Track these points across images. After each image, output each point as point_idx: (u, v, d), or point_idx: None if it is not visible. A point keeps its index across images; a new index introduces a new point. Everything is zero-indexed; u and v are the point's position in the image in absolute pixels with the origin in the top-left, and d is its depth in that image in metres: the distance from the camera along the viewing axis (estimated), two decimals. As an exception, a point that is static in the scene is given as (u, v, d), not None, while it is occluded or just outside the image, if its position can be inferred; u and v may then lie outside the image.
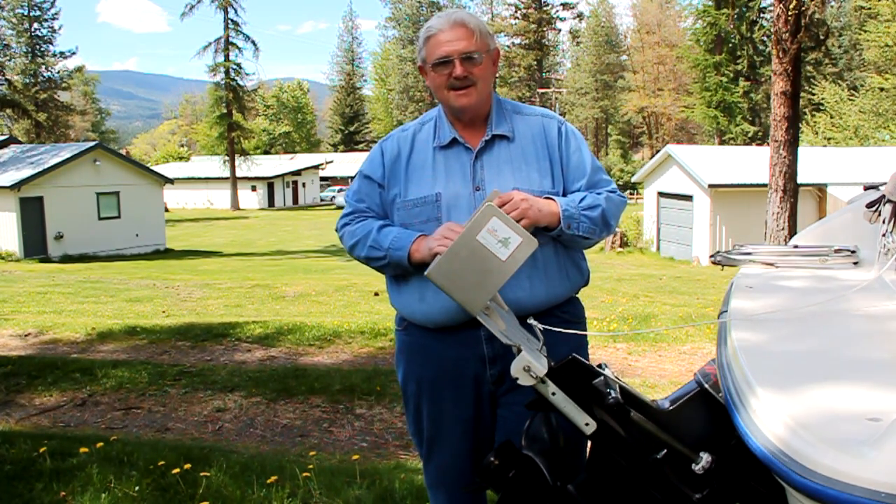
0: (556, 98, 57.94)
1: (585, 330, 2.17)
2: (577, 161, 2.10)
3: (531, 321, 1.81)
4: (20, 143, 30.85)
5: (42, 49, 50.48)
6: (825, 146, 30.34)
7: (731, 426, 1.44)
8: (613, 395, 1.63)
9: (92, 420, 4.92)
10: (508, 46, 61.85)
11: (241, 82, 51.51)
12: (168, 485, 3.32)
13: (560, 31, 67.37)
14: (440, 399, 2.11)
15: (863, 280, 1.91)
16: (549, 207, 1.95)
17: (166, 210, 32.73)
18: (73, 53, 52.30)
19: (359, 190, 2.16)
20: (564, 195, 2.06)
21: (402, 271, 2.06)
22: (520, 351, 1.66)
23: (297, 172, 54.86)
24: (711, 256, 2.42)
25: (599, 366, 1.71)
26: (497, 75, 2.15)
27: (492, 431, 2.11)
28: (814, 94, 35.15)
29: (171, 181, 29.76)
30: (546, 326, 1.80)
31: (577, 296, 2.19)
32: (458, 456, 2.12)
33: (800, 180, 12.41)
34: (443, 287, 1.77)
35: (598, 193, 2.07)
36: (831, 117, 33.02)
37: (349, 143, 77.30)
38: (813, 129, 33.61)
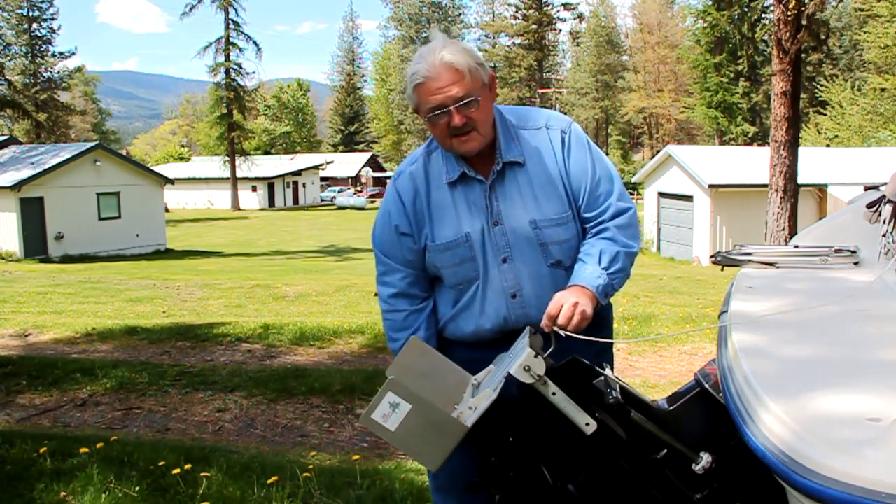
0: (557, 98, 57.92)
1: (611, 335, 2.13)
2: (578, 173, 2.02)
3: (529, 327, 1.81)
4: (20, 143, 30.88)
5: (41, 49, 50.50)
6: (828, 145, 30.34)
7: (731, 426, 1.44)
8: (614, 395, 1.63)
9: (92, 420, 4.92)
10: (509, 46, 61.87)
11: (241, 82, 51.54)
12: (168, 485, 3.32)
13: (560, 31, 67.33)
14: None
15: (863, 280, 1.91)
16: (586, 296, 1.88)
17: (167, 210, 32.74)
18: (73, 54, 52.36)
19: (383, 254, 2.10)
20: (578, 210, 2.02)
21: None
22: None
23: (298, 173, 54.89)
24: (712, 257, 2.42)
25: (600, 366, 1.71)
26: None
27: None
28: (821, 91, 35.11)
29: (171, 181, 29.78)
30: (555, 328, 1.80)
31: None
32: (470, 461, 2.10)
33: (800, 180, 12.40)
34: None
35: (605, 230, 2.00)
36: (833, 117, 33.01)
37: (349, 143, 77.33)
38: (816, 129, 33.60)
